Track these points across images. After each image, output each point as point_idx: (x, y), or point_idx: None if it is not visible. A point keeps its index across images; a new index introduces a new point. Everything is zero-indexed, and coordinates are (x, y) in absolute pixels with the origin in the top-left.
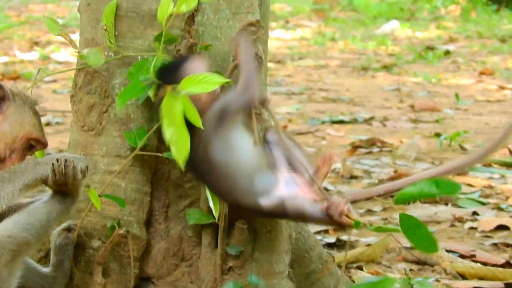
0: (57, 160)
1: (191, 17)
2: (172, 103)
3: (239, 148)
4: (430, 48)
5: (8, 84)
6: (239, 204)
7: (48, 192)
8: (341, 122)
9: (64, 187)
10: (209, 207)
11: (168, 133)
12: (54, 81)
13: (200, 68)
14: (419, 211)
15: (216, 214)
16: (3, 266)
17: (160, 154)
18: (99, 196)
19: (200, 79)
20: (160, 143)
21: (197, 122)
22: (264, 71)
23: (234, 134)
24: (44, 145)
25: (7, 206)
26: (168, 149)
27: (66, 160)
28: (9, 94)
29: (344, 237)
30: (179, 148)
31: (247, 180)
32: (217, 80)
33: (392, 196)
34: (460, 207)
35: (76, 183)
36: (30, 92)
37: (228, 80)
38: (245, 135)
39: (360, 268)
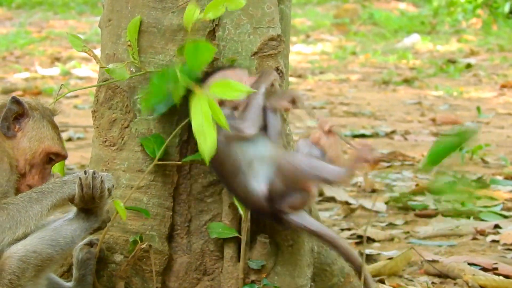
0: (85, 172)
1: (212, 32)
2: (200, 100)
3: (255, 142)
4: (451, 61)
5: (26, 98)
6: (255, 201)
7: (73, 209)
8: (363, 136)
9: (90, 204)
10: (231, 221)
11: (195, 125)
12: (76, 96)
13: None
14: (441, 224)
15: (244, 215)
16: (27, 281)
17: (179, 162)
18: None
19: (229, 85)
20: (182, 157)
21: (224, 123)
22: (285, 85)
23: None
24: (63, 157)
25: (35, 226)
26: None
27: (94, 172)
28: (27, 110)
29: (366, 251)
30: (205, 140)
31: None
32: (245, 89)
33: (413, 209)
34: (482, 220)
35: (102, 200)
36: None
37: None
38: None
39: (382, 281)
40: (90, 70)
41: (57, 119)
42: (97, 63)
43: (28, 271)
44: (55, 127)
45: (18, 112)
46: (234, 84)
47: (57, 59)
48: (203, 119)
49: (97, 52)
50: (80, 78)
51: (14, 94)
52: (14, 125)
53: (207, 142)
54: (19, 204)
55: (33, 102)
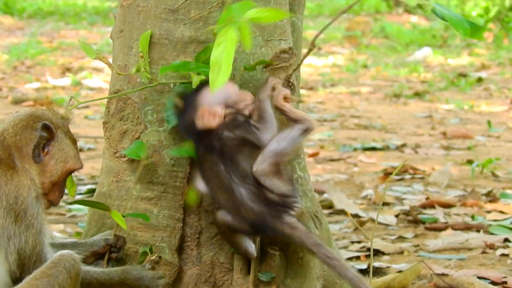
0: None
1: None
2: (229, 30)
3: None
4: (463, 75)
5: (45, 113)
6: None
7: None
8: (373, 149)
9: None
10: None
11: (214, 54)
12: (86, 107)
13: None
14: (450, 237)
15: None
16: None
17: (167, 160)
18: (123, 216)
19: (266, 10)
20: (191, 167)
21: (248, 44)
22: (297, 97)
23: None
24: (80, 169)
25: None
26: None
27: None
28: (55, 134)
29: (376, 264)
30: (218, 71)
31: None
32: (281, 14)
33: (423, 222)
34: (491, 233)
35: None
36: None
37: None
38: None
39: None
40: (101, 81)
41: None
42: (111, 69)
43: None
44: (74, 141)
45: (48, 138)
46: (269, 9)
47: (68, 70)
48: (225, 49)
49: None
50: (91, 89)
51: (24, 104)
52: (43, 150)
53: (220, 74)
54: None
55: (54, 118)
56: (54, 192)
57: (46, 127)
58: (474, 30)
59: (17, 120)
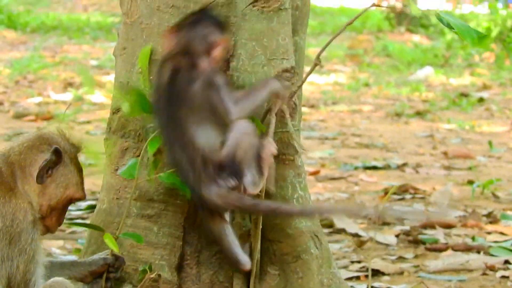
0: None
1: (226, 63)
2: None
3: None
4: (464, 95)
5: (54, 136)
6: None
7: None
8: (374, 168)
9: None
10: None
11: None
12: (88, 122)
13: None
14: (451, 259)
15: (254, 246)
16: None
17: (149, 177)
18: (117, 237)
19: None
20: None
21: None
22: (298, 115)
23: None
24: (82, 199)
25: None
26: None
27: None
28: (62, 160)
29: (375, 284)
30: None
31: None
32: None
33: (423, 243)
34: (492, 255)
35: None
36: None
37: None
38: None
39: None
40: (103, 96)
41: None
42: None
43: None
44: (80, 169)
45: (56, 162)
46: None
47: (70, 84)
48: None
49: (111, 78)
50: (93, 104)
51: (26, 119)
52: (47, 172)
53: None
54: None
55: (62, 142)
56: (51, 217)
57: (57, 152)
58: (479, 39)
59: (25, 140)
